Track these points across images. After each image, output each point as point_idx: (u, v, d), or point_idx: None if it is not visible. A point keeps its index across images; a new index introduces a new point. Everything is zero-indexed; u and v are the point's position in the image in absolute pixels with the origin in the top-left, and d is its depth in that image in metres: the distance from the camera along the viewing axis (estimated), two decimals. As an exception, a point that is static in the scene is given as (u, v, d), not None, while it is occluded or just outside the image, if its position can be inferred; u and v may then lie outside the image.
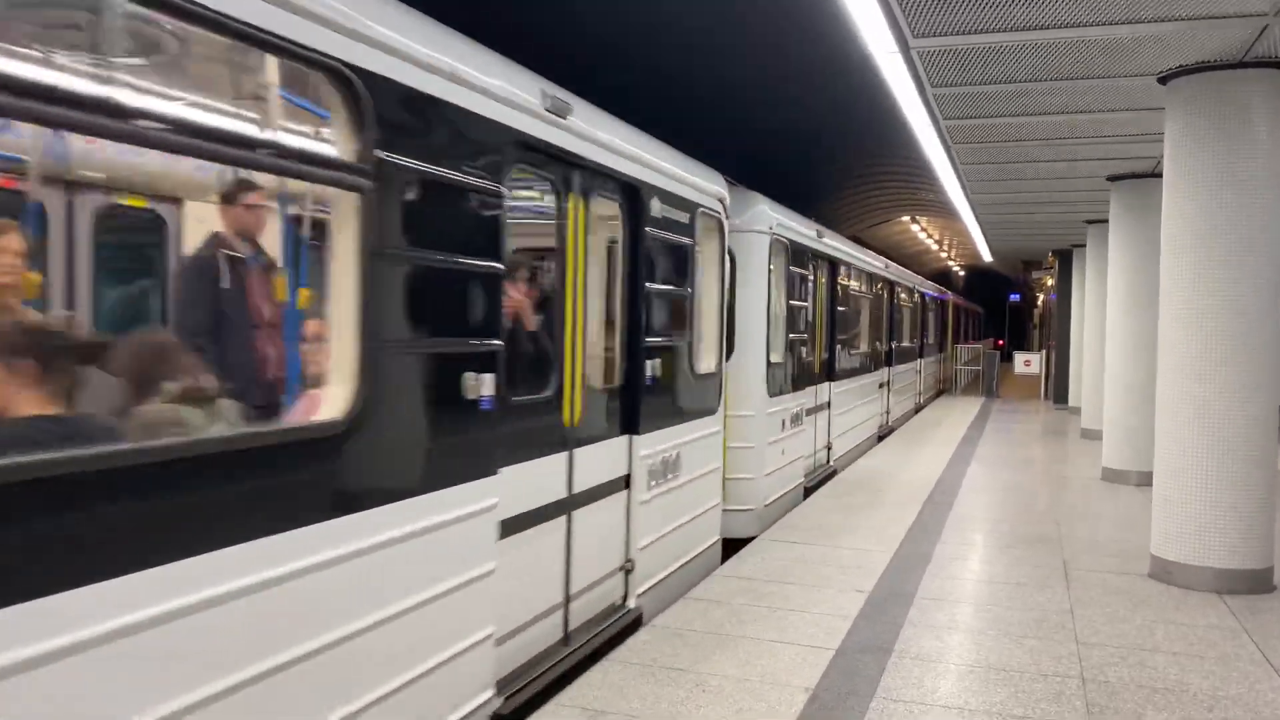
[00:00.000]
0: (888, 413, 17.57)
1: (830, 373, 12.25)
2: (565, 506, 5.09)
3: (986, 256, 29.35)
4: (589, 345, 5.38)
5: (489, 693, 4.22)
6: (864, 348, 15.23)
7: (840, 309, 12.79)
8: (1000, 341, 53.40)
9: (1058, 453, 14.92)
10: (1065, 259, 22.24)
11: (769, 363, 9.04)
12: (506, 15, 8.60)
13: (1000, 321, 59.76)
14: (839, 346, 12.70)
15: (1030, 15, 6.21)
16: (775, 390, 9.31)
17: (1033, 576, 7.22)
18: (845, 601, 6.44)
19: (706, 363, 7.20)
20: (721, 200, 7.48)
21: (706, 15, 10.89)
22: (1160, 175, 7.67)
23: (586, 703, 4.67)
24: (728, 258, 7.90)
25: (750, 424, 8.79)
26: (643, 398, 5.90)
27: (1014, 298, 58.10)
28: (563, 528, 5.08)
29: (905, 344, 20.10)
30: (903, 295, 19.70)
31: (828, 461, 12.29)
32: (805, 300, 10.71)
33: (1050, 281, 28.81)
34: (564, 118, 4.90)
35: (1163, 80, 7.34)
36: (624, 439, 5.84)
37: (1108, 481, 11.64)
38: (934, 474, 12.09)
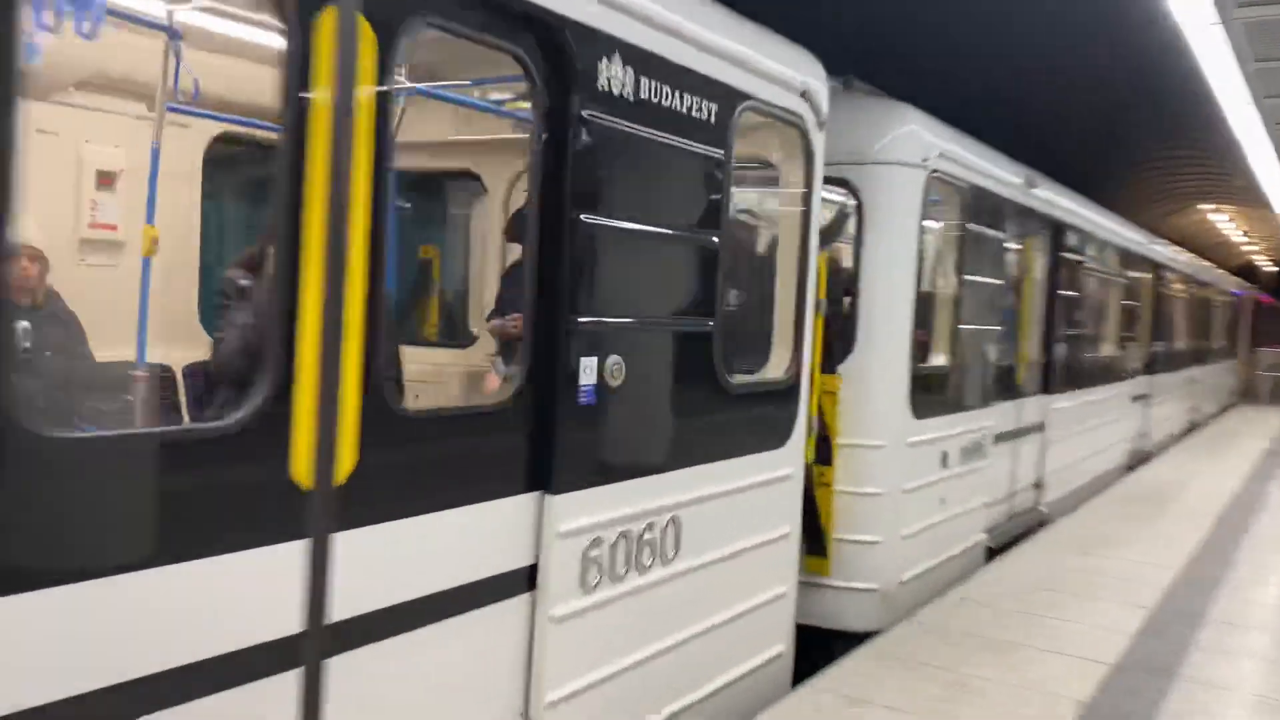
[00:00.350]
0: (1145, 434, 13.75)
1: (1047, 382, 9.06)
2: None
3: (1303, 250, 26.27)
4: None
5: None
6: (1109, 349, 11.78)
7: (1067, 293, 9.50)
8: (1314, 345, 47.65)
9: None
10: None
11: (914, 369, 6.08)
12: None
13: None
14: (1063, 345, 9.39)
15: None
16: (928, 410, 6.26)
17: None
18: (1125, 616, 6.01)
19: (774, 364, 4.82)
20: (807, 95, 4.65)
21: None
22: None
23: (843, 690, 4.65)
24: (850, 203, 5.85)
25: (877, 460, 5.85)
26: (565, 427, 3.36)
27: (1334, 298, 51.63)
28: None
29: (1178, 345, 16.27)
30: (1175, 284, 15.92)
31: (1036, 505, 8.97)
32: (999, 277, 7.61)
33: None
34: None
35: None
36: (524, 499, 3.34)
37: None
38: (1231, 487, 11.01)
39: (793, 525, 4.77)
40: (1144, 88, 13.37)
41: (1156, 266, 13.85)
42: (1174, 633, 5.75)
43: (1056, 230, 9.05)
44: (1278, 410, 22.87)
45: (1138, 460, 12.91)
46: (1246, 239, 32.16)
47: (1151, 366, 13.61)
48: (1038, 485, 8.92)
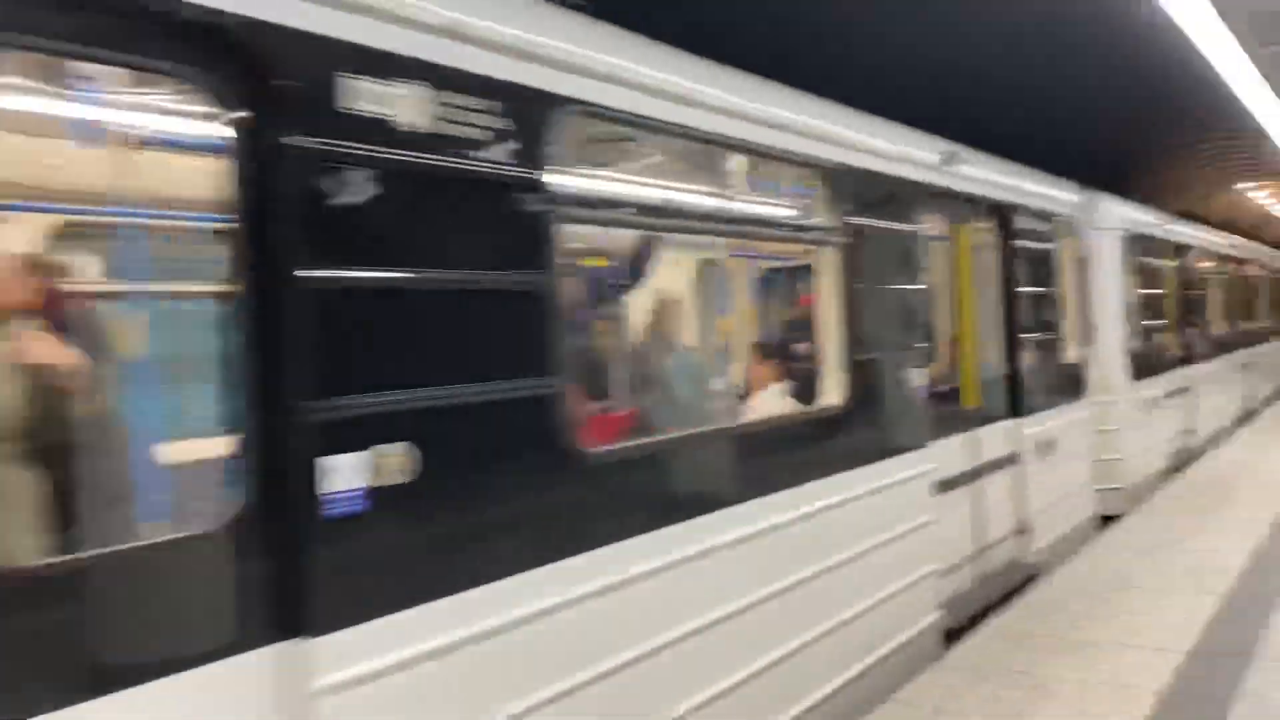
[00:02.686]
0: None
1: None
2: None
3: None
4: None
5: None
6: (1217, 330, 14.71)
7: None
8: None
9: None
10: None
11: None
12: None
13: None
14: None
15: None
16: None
17: None
18: (1196, 604, 6.06)
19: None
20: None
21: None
22: None
23: (921, 702, 4.78)
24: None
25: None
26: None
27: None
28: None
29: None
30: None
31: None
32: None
33: None
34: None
35: None
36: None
37: None
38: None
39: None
40: (1163, 85, 13.49)
41: (1178, 249, 12.91)
42: (1247, 616, 5.79)
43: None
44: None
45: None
46: (1290, 212, 31.66)
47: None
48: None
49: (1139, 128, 17.11)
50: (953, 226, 6.91)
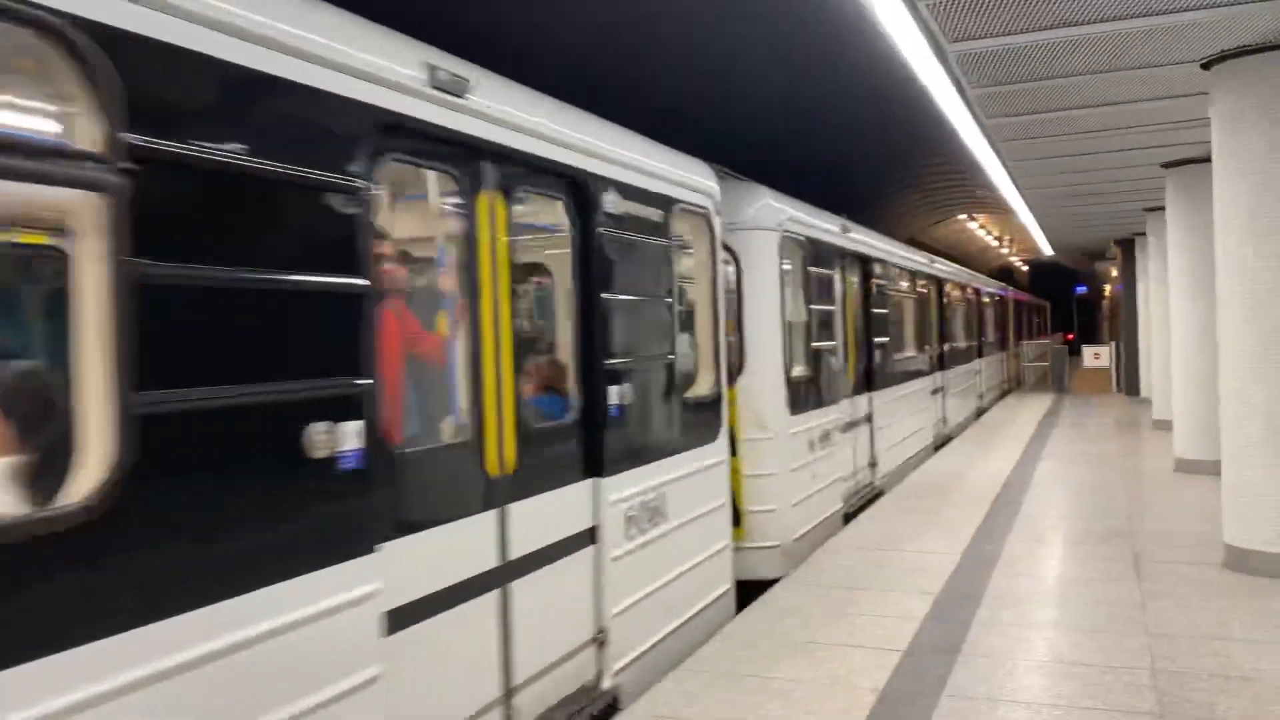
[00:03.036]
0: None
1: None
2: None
3: (1047, 250, 28.96)
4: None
5: None
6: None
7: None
8: (1069, 335, 52.43)
9: (1129, 445, 14.69)
10: (1128, 248, 21.88)
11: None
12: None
13: (1068, 315, 58.69)
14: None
15: (1065, 12, 6.26)
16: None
17: (1104, 572, 7.18)
18: (913, 604, 6.48)
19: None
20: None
21: (756, 37, 10.99)
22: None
23: (658, 711, 4.81)
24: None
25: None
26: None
27: (1080, 290, 57.03)
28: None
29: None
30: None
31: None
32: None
33: (1115, 272, 28.31)
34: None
35: (1205, 66, 7.31)
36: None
37: (1181, 472, 11.45)
38: (1003, 473, 12.00)
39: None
40: (895, 116, 14.55)
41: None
42: (957, 613, 6.26)
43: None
44: (1040, 397, 24.93)
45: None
46: (1000, 243, 35.11)
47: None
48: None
49: (875, 160, 18.44)
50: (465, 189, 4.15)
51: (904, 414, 12.89)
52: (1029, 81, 7.84)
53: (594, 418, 4.87)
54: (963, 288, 19.96)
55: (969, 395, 19.68)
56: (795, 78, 12.28)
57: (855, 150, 17.05)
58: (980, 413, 20.71)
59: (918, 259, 15.00)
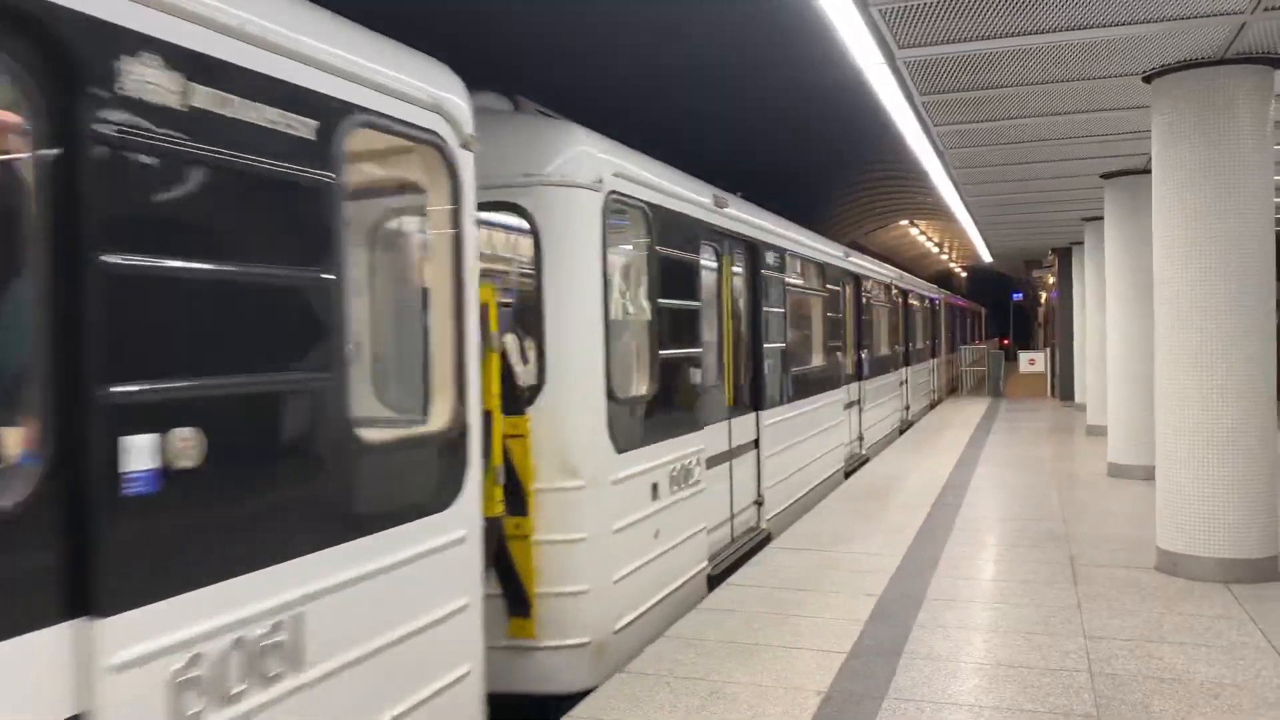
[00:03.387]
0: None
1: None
2: None
3: (986, 257, 29.48)
4: None
5: None
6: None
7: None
8: (1005, 340, 53.50)
9: (1064, 450, 14.98)
10: (1065, 257, 22.35)
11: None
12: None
13: (1004, 321, 59.90)
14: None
15: (1013, 22, 6.34)
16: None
17: (1040, 574, 7.29)
18: (856, 605, 6.52)
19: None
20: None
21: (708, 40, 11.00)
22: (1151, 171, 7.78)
23: (602, 714, 4.76)
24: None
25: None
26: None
27: (1017, 297, 58.23)
28: None
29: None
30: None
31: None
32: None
33: (1052, 280, 28.91)
34: None
35: (1147, 79, 7.46)
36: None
37: (1114, 477, 11.71)
38: (942, 476, 12.15)
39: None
40: (841, 119, 14.67)
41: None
42: (899, 615, 6.30)
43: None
44: (977, 401, 25.36)
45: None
46: (940, 249, 35.68)
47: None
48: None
49: (821, 163, 18.57)
50: None
51: (805, 436, 10.63)
52: (976, 90, 7.94)
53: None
54: (887, 287, 17.83)
55: (892, 408, 17.91)
56: (742, 75, 12.30)
57: (801, 153, 17.16)
58: (907, 427, 19.20)
59: (829, 250, 12.64)
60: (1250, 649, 5.56)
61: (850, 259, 14.16)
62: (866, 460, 14.21)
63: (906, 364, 19.83)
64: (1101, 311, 14.50)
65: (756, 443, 8.83)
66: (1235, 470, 6.96)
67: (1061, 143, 10.16)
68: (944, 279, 43.56)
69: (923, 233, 30.82)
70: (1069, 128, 9.46)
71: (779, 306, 9.64)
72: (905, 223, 28.61)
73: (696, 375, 7.14)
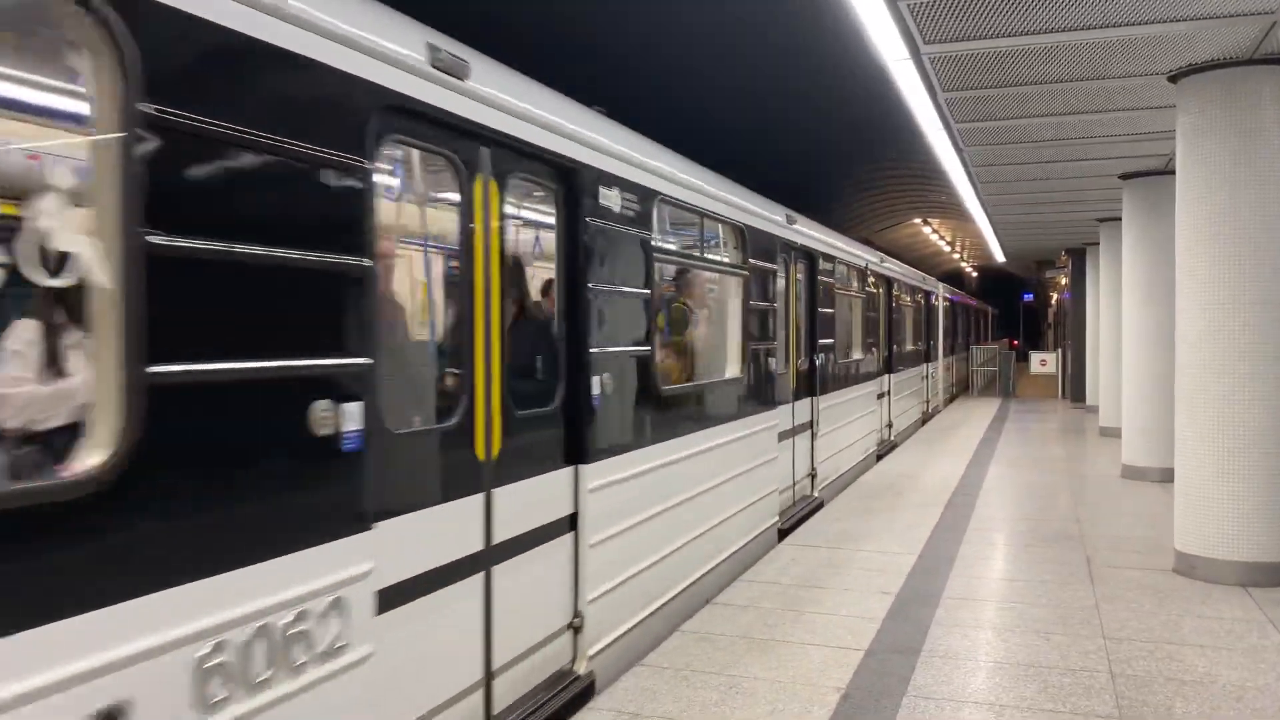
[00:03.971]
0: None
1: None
2: None
3: (999, 257, 29.37)
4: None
5: None
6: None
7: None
8: (1015, 342, 53.36)
9: (1076, 451, 14.92)
10: (1079, 257, 22.24)
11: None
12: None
13: (1014, 321, 59.70)
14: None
15: (1041, 19, 6.29)
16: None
17: (1056, 574, 7.26)
18: (873, 603, 6.49)
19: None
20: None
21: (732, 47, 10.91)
22: (1173, 172, 7.73)
23: (621, 707, 4.75)
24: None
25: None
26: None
27: (1027, 297, 58.02)
28: None
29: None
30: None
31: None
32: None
33: (1064, 280, 28.78)
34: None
35: (1173, 79, 7.40)
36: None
37: (1128, 479, 11.65)
38: (955, 476, 12.11)
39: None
40: (860, 116, 14.62)
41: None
42: (916, 613, 6.28)
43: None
44: (988, 401, 25.29)
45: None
46: (952, 249, 35.55)
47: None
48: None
49: (837, 158, 18.51)
50: None
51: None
52: (1000, 87, 7.88)
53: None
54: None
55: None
56: (763, 68, 12.27)
57: (818, 148, 17.11)
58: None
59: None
60: (1272, 652, 5.53)
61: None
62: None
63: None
64: (1115, 312, 14.42)
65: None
66: (1256, 473, 6.92)
67: (1082, 142, 10.10)
68: (954, 278, 43.44)
69: (936, 231, 30.70)
70: (1090, 127, 9.40)
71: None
72: (918, 221, 28.49)
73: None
